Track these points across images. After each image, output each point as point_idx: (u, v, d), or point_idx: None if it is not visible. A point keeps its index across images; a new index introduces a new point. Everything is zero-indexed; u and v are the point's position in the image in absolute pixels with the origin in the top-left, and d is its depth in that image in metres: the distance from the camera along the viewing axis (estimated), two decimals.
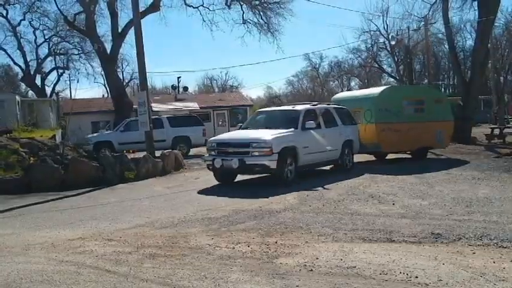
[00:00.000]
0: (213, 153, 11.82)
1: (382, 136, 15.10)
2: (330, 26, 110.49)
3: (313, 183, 11.28)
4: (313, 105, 13.68)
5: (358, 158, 14.99)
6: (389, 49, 59.93)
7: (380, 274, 4.81)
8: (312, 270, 5.03)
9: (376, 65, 65.03)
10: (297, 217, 7.78)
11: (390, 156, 16.99)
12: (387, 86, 19.50)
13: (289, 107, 13.84)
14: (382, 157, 16.90)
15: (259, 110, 14.75)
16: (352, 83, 77.50)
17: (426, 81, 50.79)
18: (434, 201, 8.85)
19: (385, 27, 57.99)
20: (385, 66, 65.86)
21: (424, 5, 52.76)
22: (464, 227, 6.75)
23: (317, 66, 75.15)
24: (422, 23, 34.65)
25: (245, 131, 12.83)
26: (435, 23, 34.96)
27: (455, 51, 31.01)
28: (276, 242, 6.19)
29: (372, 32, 58.46)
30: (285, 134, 11.62)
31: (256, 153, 11.03)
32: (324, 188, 10.58)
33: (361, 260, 5.28)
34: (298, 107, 13.19)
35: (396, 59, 61.15)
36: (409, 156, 16.86)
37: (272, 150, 10.94)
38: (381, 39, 59.89)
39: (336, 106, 14.38)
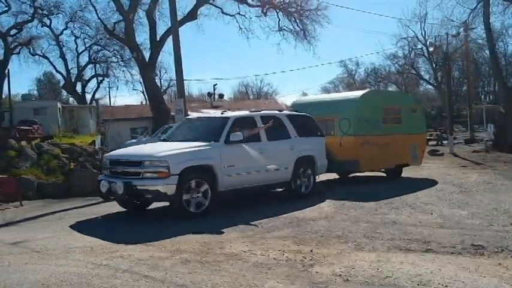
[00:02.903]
0: (106, 172, 9.46)
1: (362, 151, 12.53)
2: (366, 33, 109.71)
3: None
4: (253, 111, 10.98)
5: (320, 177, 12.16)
6: (427, 55, 59.06)
7: (418, 285, 4.72)
8: (348, 280, 4.97)
9: (414, 72, 64.14)
10: (332, 226, 7.71)
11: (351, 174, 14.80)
12: (368, 90, 14.83)
13: (218, 114, 10.93)
14: (346, 176, 14.70)
15: (188, 117, 12.19)
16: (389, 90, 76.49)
17: (465, 87, 49.71)
18: (474, 211, 8.63)
19: (423, 33, 57.36)
20: (422, 73, 65.08)
21: (464, 10, 52.03)
22: (506, 238, 6.55)
23: (353, 72, 74.72)
24: (462, 28, 34.00)
25: (148, 146, 10.59)
26: (475, 28, 34.25)
27: (497, 56, 30.31)
28: (312, 251, 6.15)
29: (409, 38, 57.87)
30: (194, 149, 8.98)
31: (148, 175, 8.46)
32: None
33: (398, 270, 5.19)
34: (228, 114, 10.47)
35: (434, 65, 60.19)
36: (365, 174, 14.48)
37: (169, 170, 8.30)
38: (419, 46, 59.21)
39: (291, 113, 11.60)
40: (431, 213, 8.51)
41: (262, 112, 10.94)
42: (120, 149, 10.92)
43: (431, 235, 6.87)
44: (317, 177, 11.43)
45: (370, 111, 13.03)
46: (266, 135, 10.15)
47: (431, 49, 52.70)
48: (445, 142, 28.54)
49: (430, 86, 67.39)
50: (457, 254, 5.88)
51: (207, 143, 9.19)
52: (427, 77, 65.31)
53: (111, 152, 10.20)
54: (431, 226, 7.49)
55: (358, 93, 13.96)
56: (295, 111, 12.24)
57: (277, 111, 11.50)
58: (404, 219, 8.08)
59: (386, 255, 5.88)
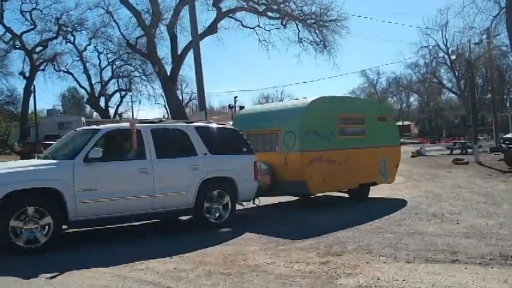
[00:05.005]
0: None
1: (311, 170, 10.41)
2: (387, 42, 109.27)
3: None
4: (143, 122, 9.01)
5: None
6: (449, 64, 58.52)
7: None
8: None
9: (436, 80, 63.58)
10: (356, 236, 7.63)
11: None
12: (317, 97, 11.99)
13: (94, 126, 9.06)
14: (308, 197, 12.05)
15: (79, 128, 9.80)
16: (411, 99, 76.03)
17: (489, 95, 48.99)
18: (502, 220, 8.44)
19: (445, 42, 56.85)
20: (445, 81, 64.50)
21: (486, 17, 51.10)
22: None
23: (374, 82, 74.46)
24: (485, 35, 33.60)
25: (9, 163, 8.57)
26: (498, 35, 33.89)
27: None
28: (336, 262, 6.09)
29: (430, 47, 57.41)
30: (31, 168, 7.39)
31: None
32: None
33: (424, 282, 5.10)
34: (102, 126, 8.65)
35: (456, 73, 59.57)
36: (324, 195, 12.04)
37: None
38: (440, 54, 58.72)
39: (202, 125, 9.50)
40: (458, 223, 8.36)
41: (155, 124, 8.91)
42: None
43: (458, 245, 6.74)
44: (257, 201, 9.95)
45: (321, 122, 10.92)
46: (155, 152, 8.27)
47: (453, 57, 52.24)
48: (469, 151, 28.12)
49: (453, 95, 66.71)
50: (486, 264, 5.75)
51: (57, 161, 7.63)
52: (449, 85, 64.71)
53: None
54: (457, 236, 7.36)
55: (306, 100, 11.41)
56: (222, 124, 10.35)
57: (182, 123, 9.50)
58: (430, 230, 7.95)
59: (412, 266, 5.80)
